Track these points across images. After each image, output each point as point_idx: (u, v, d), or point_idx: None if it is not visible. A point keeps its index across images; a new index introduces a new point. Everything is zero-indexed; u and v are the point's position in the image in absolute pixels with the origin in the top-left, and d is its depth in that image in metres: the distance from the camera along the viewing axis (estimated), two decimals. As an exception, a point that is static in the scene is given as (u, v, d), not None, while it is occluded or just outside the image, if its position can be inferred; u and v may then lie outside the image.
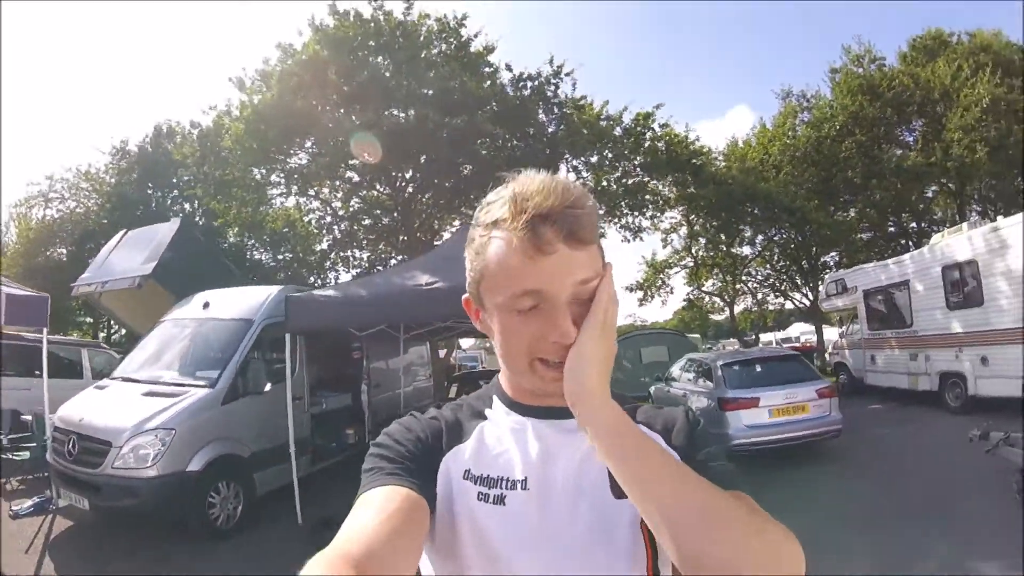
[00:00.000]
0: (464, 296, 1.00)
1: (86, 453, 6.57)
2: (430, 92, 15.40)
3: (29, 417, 9.54)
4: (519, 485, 0.95)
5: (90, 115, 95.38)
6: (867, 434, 10.95)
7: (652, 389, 13.24)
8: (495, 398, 1.07)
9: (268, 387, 7.66)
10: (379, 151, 14.98)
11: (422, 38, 16.74)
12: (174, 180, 28.04)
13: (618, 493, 0.90)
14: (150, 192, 28.72)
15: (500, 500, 0.94)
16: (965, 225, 12.59)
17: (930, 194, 25.48)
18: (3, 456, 8.88)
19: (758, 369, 9.87)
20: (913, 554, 5.27)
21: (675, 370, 12.11)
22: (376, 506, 0.84)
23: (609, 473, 0.90)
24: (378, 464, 0.94)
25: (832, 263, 25.83)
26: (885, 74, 23.44)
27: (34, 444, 8.90)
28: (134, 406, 6.85)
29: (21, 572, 5.69)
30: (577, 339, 0.85)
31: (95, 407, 7.14)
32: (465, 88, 15.19)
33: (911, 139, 24.65)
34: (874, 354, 15.29)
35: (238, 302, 8.62)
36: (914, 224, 26.14)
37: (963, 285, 11.77)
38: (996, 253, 10.79)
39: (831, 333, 23.42)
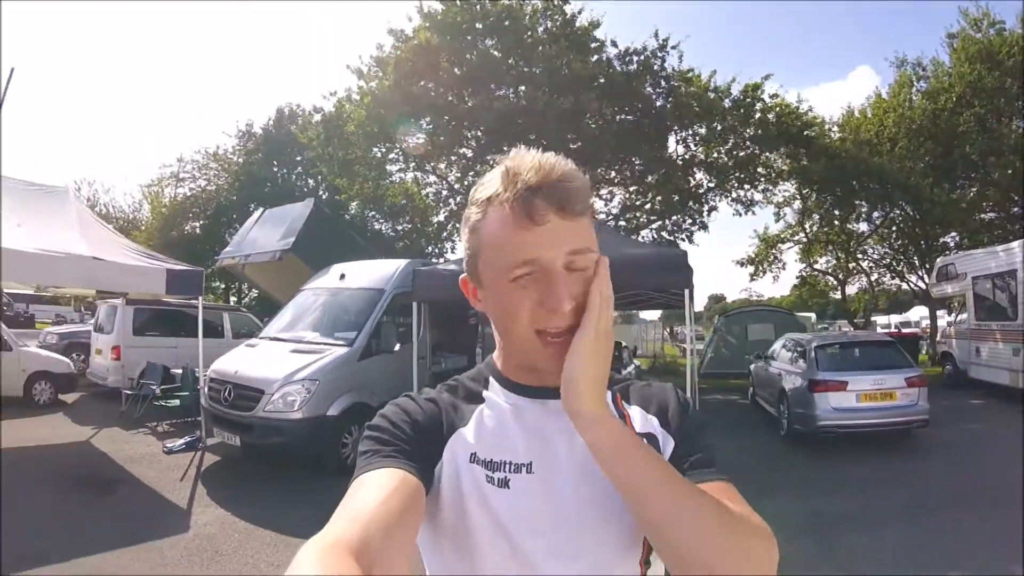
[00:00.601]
0: (461, 276, 1.03)
1: (241, 399, 7.74)
2: (537, 71, 16.00)
3: (179, 370, 11.25)
4: (523, 468, 0.95)
5: (217, 101, 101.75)
6: (957, 428, 10.69)
7: (752, 367, 13.45)
8: (491, 379, 1.07)
9: (397, 347, 8.71)
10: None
11: (528, 18, 17.10)
12: (298, 158, 30.12)
13: None
14: (275, 170, 30.60)
15: (504, 483, 0.94)
16: None
17: None
18: (157, 403, 10.46)
19: (851, 353, 9.97)
20: (959, 547, 5.43)
21: (775, 348, 12.16)
22: (373, 489, 0.84)
23: None
24: (374, 447, 0.94)
25: (952, 244, 23.98)
26: (1005, 39, 21.04)
27: (185, 393, 10.48)
28: (283, 360, 7.98)
29: (178, 497, 6.79)
30: (570, 350, 0.88)
31: (248, 361, 8.32)
32: (572, 67, 15.63)
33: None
34: (979, 346, 14.46)
35: (370, 273, 9.68)
36: None
37: None
38: None
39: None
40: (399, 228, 26.94)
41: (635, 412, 1.06)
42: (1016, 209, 23.58)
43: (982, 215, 24.02)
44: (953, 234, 24.02)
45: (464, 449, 0.98)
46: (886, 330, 30.89)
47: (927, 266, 23.49)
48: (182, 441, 8.98)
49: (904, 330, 30.08)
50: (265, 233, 13.96)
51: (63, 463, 7.91)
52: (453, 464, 0.97)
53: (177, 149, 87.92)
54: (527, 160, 0.90)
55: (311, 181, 30.75)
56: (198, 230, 30.26)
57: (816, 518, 6.21)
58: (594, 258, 0.92)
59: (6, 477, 6.75)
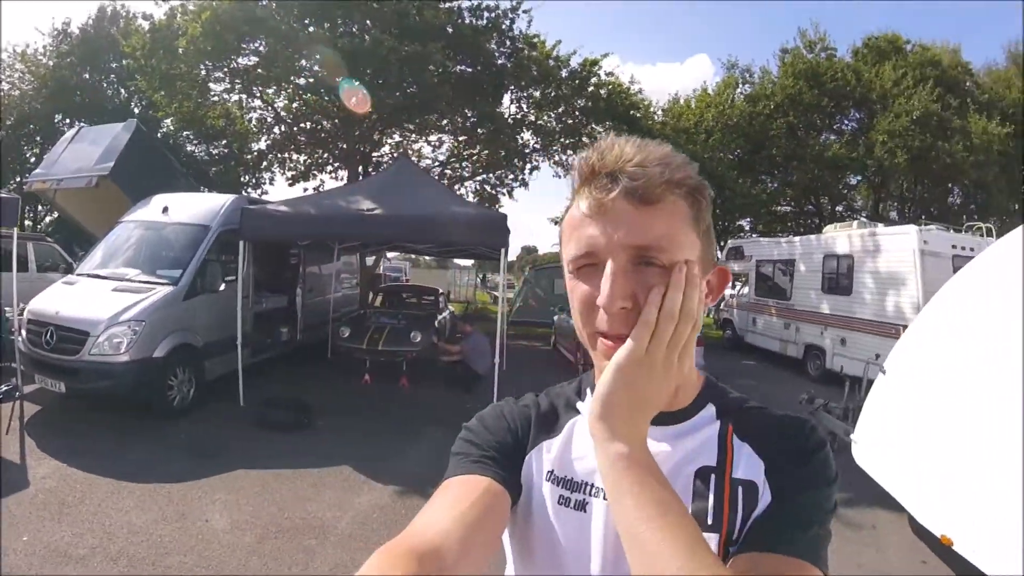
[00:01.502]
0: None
1: (64, 342, 7.41)
2: (387, 10, 15.80)
3: None
4: (603, 494, 0.88)
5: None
6: (731, 382, 12.06)
7: (555, 318, 14.94)
8: (588, 390, 1.00)
9: (222, 287, 8.66)
10: (368, 101, 15.69)
11: None
12: (113, 65, 27.67)
13: (703, 526, 0.83)
14: (86, 77, 27.94)
15: (582, 506, 0.89)
16: (855, 223, 14.09)
17: (853, 182, 27.24)
18: None
19: None
20: None
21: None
22: (456, 495, 0.82)
23: (702, 499, 0.87)
24: (465, 450, 0.92)
25: (748, 228, 27.52)
26: (832, 64, 24.52)
27: None
28: (106, 300, 7.69)
29: (8, 452, 6.39)
30: (609, 363, 0.79)
31: (69, 301, 7.92)
32: (423, 14, 15.73)
33: (839, 132, 26.01)
34: (756, 317, 16.98)
35: (196, 208, 9.41)
36: (838, 208, 27.60)
37: (838, 274, 13.32)
38: (870, 254, 12.34)
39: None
40: (214, 152, 25.84)
41: (741, 451, 0.90)
42: (809, 207, 27.52)
43: (778, 208, 27.32)
44: (750, 219, 27.04)
45: (542, 465, 0.95)
46: None
47: (721, 245, 26.41)
48: (-1, 388, 8.38)
49: None
50: (80, 155, 12.90)
51: None
52: (528, 479, 0.94)
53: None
54: (606, 148, 0.84)
55: (123, 92, 28.38)
56: (-4, 141, 26.95)
57: None
58: (679, 252, 0.81)
59: None
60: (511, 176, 22.94)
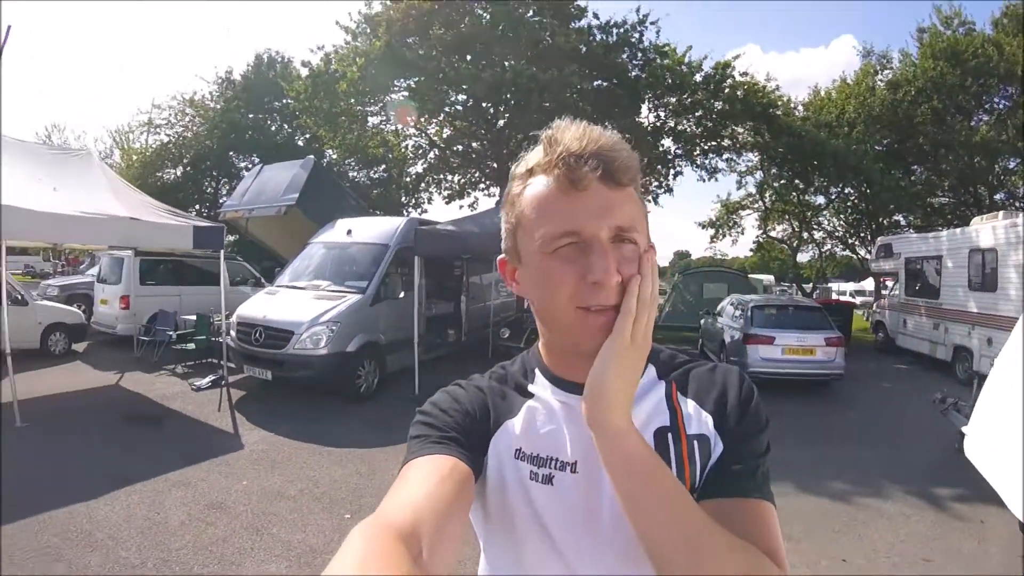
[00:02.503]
0: (500, 257, 1.01)
1: (271, 339, 8.99)
2: (523, 40, 16.89)
3: (190, 317, 12.09)
4: (568, 467, 0.93)
5: (189, 46, 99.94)
6: (871, 383, 12.48)
7: (702, 321, 15.03)
8: (537, 371, 1.04)
9: (402, 295, 10.03)
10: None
11: None
12: (276, 104, 30.59)
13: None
14: (252, 117, 30.99)
15: (548, 480, 0.93)
16: (1001, 214, 12.95)
17: (1011, 167, 24.74)
18: (174, 347, 11.39)
19: (782, 314, 11.57)
20: (850, 469, 6.85)
21: (723, 306, 13.74)
22: (423, 475, 0.84)
23: (670, 459, 0.92)
24: (425, 432, 0.94)
25: (904, 223, 26.01)
26: (972, 39, 22.40)
27: (202, 337, 11.39)
28: (307, 305, 9.25)
29: (223, 424, 7.95)
30: (600, 354, 0.84)
31: (274, 307, 9.55)
32: (555, 39, 16.72)
33: (987, 112, 24.01)
34: (906, 318, 16.12)
35: (375, 229, 10.91)
36: (997, 196, 25.11)
37: (983, 269, 12.46)
38: (1013, 246, 11.43)
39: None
40: (374, 176, 27.89)
41: (690, 408, 0.98)
42: (967, 197, 25.21)
43: (935, 200, 25.67)
44: (905, 214, 25.54)
45: (510, 443, 0.97)
46: (840, 296, 33.60)
47: (872, 241, 24.82)
48: (208, 379, 9.98)
49: (858, 296, 31.94)
50: (267, 188, 14.91)
51: (105, 404, 8.92)
52: (498, 457, 0.96)
53: (149, 94, 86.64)
54: (570, 129, 0.87)
55: (286, 128, 31.33)
56: (178, 177, 30.64)
57: None
58: (642, 237, 0.88)
59: (58, 419, 7.87)
60: (655, 183, 23.17)
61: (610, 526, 0.89)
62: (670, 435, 0.94)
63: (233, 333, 9.63)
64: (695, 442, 0.94)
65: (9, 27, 16.60)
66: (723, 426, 0.95)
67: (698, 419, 0.96)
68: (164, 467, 6.15)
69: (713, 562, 0.75)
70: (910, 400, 10.31)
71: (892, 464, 7.10)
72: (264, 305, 9.70)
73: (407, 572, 0.63)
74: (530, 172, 0.91)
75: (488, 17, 17.49)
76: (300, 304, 9.36)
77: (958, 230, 14.47)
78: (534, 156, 0.92)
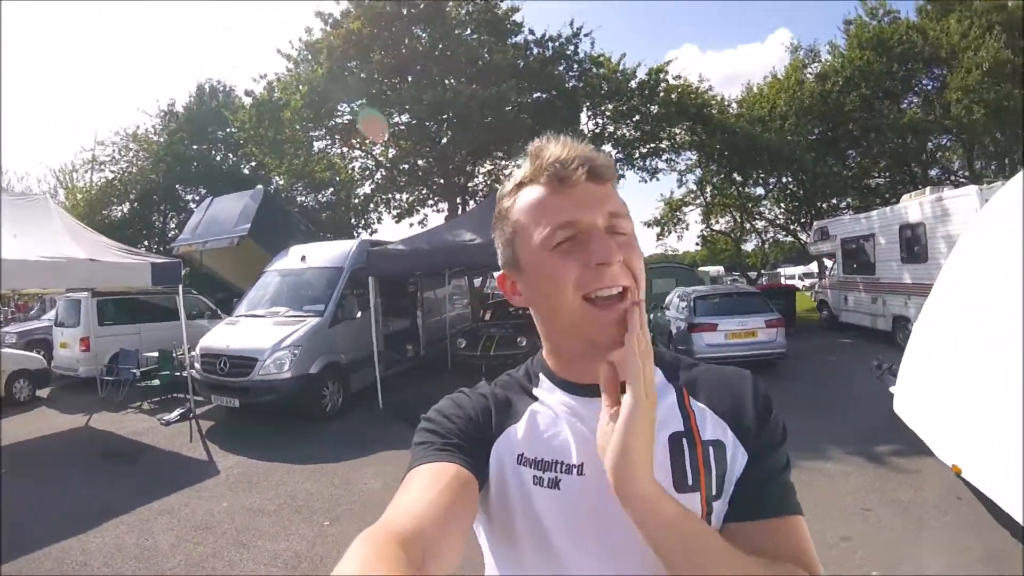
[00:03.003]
0: (498, 274, 1.04)
1: (236, 367, 9.28)
2: (462, 60, 17.55)
3: (153, 353, 12.16)
4: (575, 470, 0.93)
5: (128, 79, 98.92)
6: (816, 359, 13.14)
7: (650, 316, 15.38)
8: (542, 376, 1.05)
9: (359, 315, 10.41)
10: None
11: (450, 4, 18.38)
12: (219, 134, 30.53)
13: (681, 487, 0.91)
14: (195, 148, 30.91)
15: (555, 484, 0.92)
16: (928, 190, 13.80)
17: (944, 143, 26.35)
18: (139, 384, 11.48)
19: (724, 302, 12.24)
20: (794, 436, 7.49)
21: (669, 299, 14.42)
22: (426, 482, 0.84)
23: (675, 463, 0.93)
24: (429, 439, 0.94)
25: (844, 206, 26.58)
26: (897, 28, 23.90)
27: (166, 372, 11.41)
28: (268, 332, 9.56)
29: (197, 453, 8.21)
30: (618, 422, 0.83)
31: (236, 336, 9.85)
32: (493, 57, 17.32)
33: (915, 96, 25.21)
34: (847, 295, 17.03)
35: (329, 254, 11.26)
36: (932, 172, 26.70)
37: (914, 243, 13.31)
38: (940, 219, 12.28)
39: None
40: (322, 199, 28.04)
41: (703, 414, 0.98)
42: (902, 176, 26.49)
43: (872, 180, 27.07)
44: (848, 199, 26.39)
45: (512, 450, 0.97)
46: (790, 280, 35.22)
47: (810, 227, 25.64)
48: (176, 413, 10.20)
49: (784, 282, 33.09)
50: (219, 220, 15.25)
51: (77, 445, 9.09)
52: (499, 464, 0.96)
53: (89, 130, 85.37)
54: (553, 142, 0.93)
55: (231, 157, 31.31)
56: (126, 213, 30.40)
57: None
58: (630, 226, 0.94)
59: (35, 463, 8.09)
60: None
61: (621, 528, 0.87)
62: (684, 440, 0.95)
63: (198, 365, 9.90)
64: (710, 448, 0.94)
65: None
66: (743, 436, 0.96)
67: (713, 424, 0.97)
68: (146, 498, 6.43)
69: None
70: (853, 371, 10.87)
71: (834, 429, 7.62)
72: (226, 335, 10.00)
73: None
74: (519, 186, 0.96)
75: (426, 39, 17.99)
76: (261, 331, 9.69)
77: (888, 209, 15.47)
78: (520, 172, 0.97)
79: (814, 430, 7.55)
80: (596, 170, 0.91)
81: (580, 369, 0.98)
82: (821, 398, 9.53)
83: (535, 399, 1.03)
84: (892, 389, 5.83)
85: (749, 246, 34.39)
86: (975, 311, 4.61)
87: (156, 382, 11.45)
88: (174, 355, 11.56)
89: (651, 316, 15.48)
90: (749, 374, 1.06)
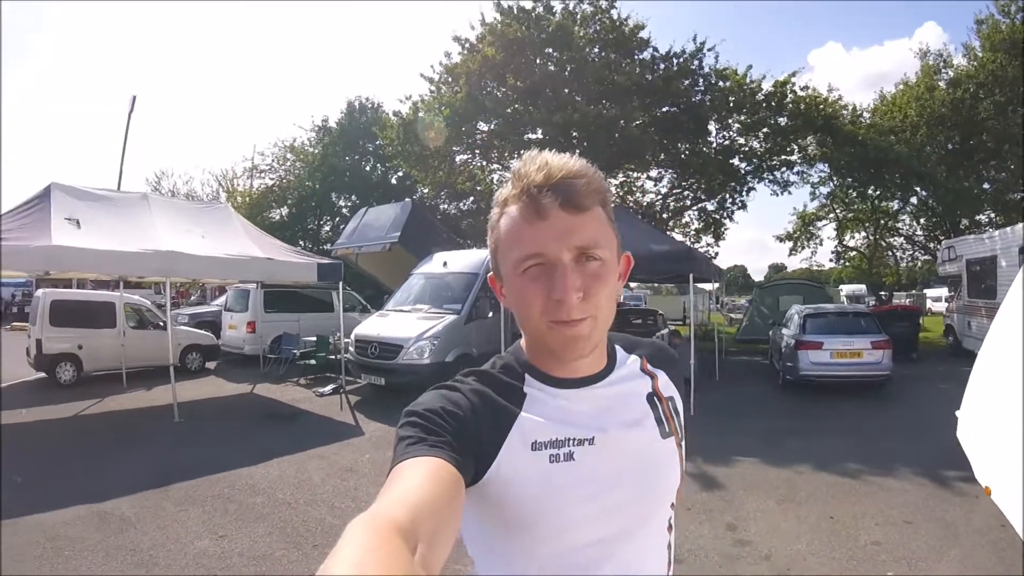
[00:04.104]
0: (489, 275, 1.11)
1: (384, 352, 11.08)
2: (588, 80, 18.81)
3: (311, 338, 14.31)
4: (586, 442, 1.00)
5: (281, 96, 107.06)
6: (925, 384, 12.82)
7: (771, 332, 15.84)
8: (527, 375, 1.08)
9: (490, 315, 11.93)
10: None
11: (578, 28, 19.46)
12: (369, 147, 33.27)
13: (664, 435, 1.10)
14: (347, 160, 33.62)
15: (570, 456, 0.99)
16: None
17: None
18: (298, 363, 13.70)
19: (832, 320, 12.43)
20: (876, 455, 7.59)
21: (788, 316, 14.42)
22: (418, 475, 0.83)
23: (656, 417, 1.11)
24: (418, 435, 0.92)
25: (986, 222, 25.08)
26: None
27: (322, 354, 13.51)
28: (413, 325, 11.29)
29: (346, 419, 9.97)
30: None
31: (386, 326, 11.67)
32: (617, 78, 18.54)
33: None
34: (970, 320, 15.97)
35: (467, 260, 12.90)
36: None
37: None
38: None
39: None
40: (463, 208, 29.57)
41: (661, 375, 1.19)
42: None
43: (1015, 195, 24.20)
44: (990, 214, 24.85)
45: (524, 440, 0.99)
46: (936, 303, 32.32)
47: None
48: (329, 387, 12.14)
49: (930, 304, 31.55)
50: (372, 227, 17.44)
51: (245, 405, 11.20)
52: (513, 457, 0.97)
53: (249, 141, 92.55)
54: (535, 161, 0.96)
55: (379, 168, 34.00)
56: (285, 217, 33.57)
57: (772, 433, 8.96)
58: (608, 252, 0.98)
59: (209, 417, 10.06)
60: (729, 200, 24.39)
61: (630, 488, 1.02)
62: (655, 398, 1.14)
63: (352, 349, 11.78)
64: (670, 402, 1.17)
65: (135, 97, 19.43)
66: (680, 391, 1.23)
67: (665, 384, 1.19)
68: (303, 446, 8.13)
69: None
70: (957, 399, 10.83)
71: (911, 450, 7.77)
72: (377, 325, 11.84)
73: (406, 566, 0.63)
74: (505, 202, 1.00)
75: (555, 63, 19.44)
76: (407, 324, 11.40)
77: (1008, 229, 14.56)
78: (506, 188, 1.00)
79: (890, 450, 7.88)
80: (571, 200, 0.93)
81: (558, 367, 1.06)
82: (910, 421, 9.62)
83: (527, 393, 1.05)
84: (957, 413, 5.67)
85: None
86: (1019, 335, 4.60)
87: (313, 362, 13.51)
88: (330, 340, 13.58)
89: (770, 334, 15.79)
90: (672, 351, 1.32)
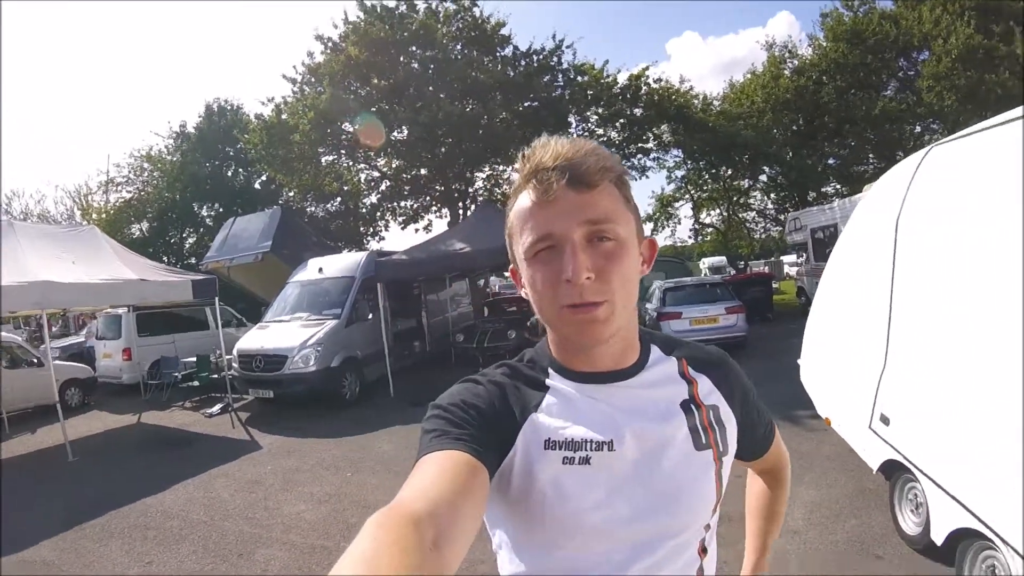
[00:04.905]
0: (511, 267, 1.07)
1: (269, 364, 11.00)
2: (451, 78, 19.16)
3: (191, 359, 13.72)
4: (605, 446, 0.96)
5: (138, 103, 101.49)
6: (779, 341, 13.28)
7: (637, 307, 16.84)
8: (550, 368, 1.07)
9: (370, 316, 12.09)
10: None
11: (441, 26, 19.72)
12: (230, 151, 32.13)
13: (699, 446, 1.03)
14: (207, 167, 32.30)
15: (586, 461, 0.95)
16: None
17: (934, 127, 24.74)
18: (181, 386, 13.14)
19: (689, 292, 13.50)
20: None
21: (651, 291, 15.16)
22: (439, 468, 0.84)
23: (691, 426, 1.04)
24: (443, 427, 0.93)
25: (832, 194, 26.59)
26: (871, 18, 24.23)
27: (204, 374, 13.02)
28: (294, 334, 11.26)
29: (240, 436, 9.86)
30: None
31: (268, 338, 11.55)
32: (480, 77, 19.09)
33: (898, 81, 25.61)
34: (817, 281, 16.57)
35: (342, 264, 12.96)
36: None
37: None
38: None
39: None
40: (332, 209, 29.39)
41: (703, 381, 1.11)
42: (888, 164, 25.74)
43: (857, 169, 26.66)
44: (837, 186, 27.00)
45: (538, 436, 0.98)
46: (792, 266, 34.28)
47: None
48: (217, 407, 11.88)
49: (759, 271, 33.99)
50: (242, 238, 17.14)
51: (134, 437, 10.79)
52: (526, 452, 0.97)
53: (102, 153, 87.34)
54: (544, 146, 0.94)
55: (241, 173, 32.96)
56: (145, 232, 31.89)
57: None
58: (623, 227, 0.94)
59: (101, 451, 9.74)
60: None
61: (650, 496, 0.97)
62: (692, 405, 1.06)
63: (236, 365, 11.63)
64: (711, 411, 1.08)
65: None
66: (732, 399, 1.13)
67: (709, 390, 1.10)
68: (204, 468, 8.06)
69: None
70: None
71: (769, 396, 8.27)
72: (259, 338, 11.71)
73: (420, 559, 0.63)
74: (516, 190, 0.98)
75: (418, 63, 19.74)
76: (288, 333, 11.38)
77: (847, 199, 16.26)
78: (517, 176, 0.98)
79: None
80: (579, 177, 0.90)
81: (580, 359, 1.03)
82: (765, 371, 10.26)
83: (548, 387, 1.04)
84: (799, 361, 6.38)
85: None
86: (841, 290, 5.42)
87: (196, 383, 13.03)
88: (211, 359, 13.21)
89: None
90: (724, 352, 1.22)
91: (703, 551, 1.03)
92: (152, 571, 5.18)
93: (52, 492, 7.71)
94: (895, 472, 4.24)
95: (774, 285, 21.06)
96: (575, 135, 15.99)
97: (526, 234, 0.94)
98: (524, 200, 0.95)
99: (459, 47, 20.39)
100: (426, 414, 0.99)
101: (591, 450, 0.96)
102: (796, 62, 26.83)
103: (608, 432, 0.97)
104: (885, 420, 4.09)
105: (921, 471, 3.65)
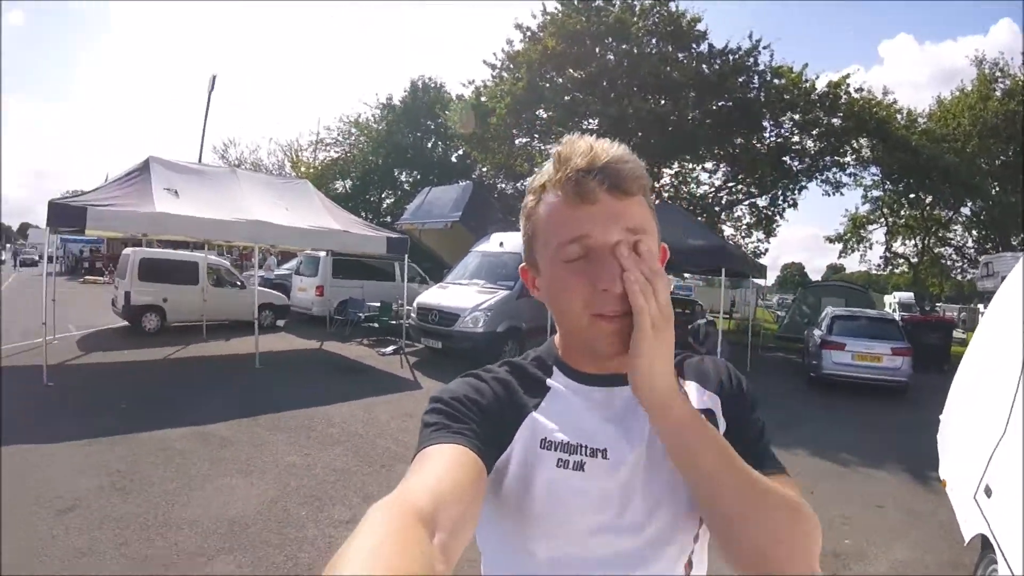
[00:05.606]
0: (521, 265, 1.05)
1: (443, 319, 12.23)
2: (643, 73, 19.56)
3: (376, 303, 15.53)
4: (599, 454, 0.95)
5: (348, 74, 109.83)
6: (943, 395, 12.29)
7: (805, 332, 16.20)
8: (555, 367, 1.06)
9: None
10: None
11: (636, 17, 20.06)
12: (430, 125, 34.43)
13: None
14: (410, 137, 34.78)
15: (580, 466, 0.95)
16: None
17: None
18: (363, 325, 15.05)
19: (857, 324, 12.78)
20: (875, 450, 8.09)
21: (822, 317, 14.64)
22: (442, 461, 0.83)
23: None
24: (443, 421, 0.93)
25: None
26: None
27: (385, 318, 14.88)
28: (470, 297, 12.44)
29: (406, 375, 11.24)
30: (631, 345, 0.85)
31: (445, 296, 12.82)
32: (672, 73, 19.35)
33: None
34: None
35: (521, 241, 13.74)
36: None
37: None
38: None
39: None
40: (521, 188, 29.63)
41: (691, 388, 1.05)
42: None
43: None
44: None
45: (535, 435, 0.97)
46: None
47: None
48: (390, 348, 13.46)
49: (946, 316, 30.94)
50: (435, 206, 18.87)
51: (315, 359, 12.49)
52: (523, 449, 0.96)
53: (313, 115, 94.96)
54: (578, 145, 0.90)
55: (440, 146, 35.23)
56: (348, 189, 35.04)
57: (783, 420, 9.19)
58: (652, 240, 0.91)
59: (284, 365, 11.40)
60: (781, 198, 24.76)
61: (643, 507, 0.94)
62: None
63: (414, 315, 13.02)
64: (704, 416, 0.96)
65: (214, 76, 20.96)
66: (725, 406, 1.04)
67: (701, 397, 1.03)
68: (369, 393, 9.37)
69: (768, 487, 0.86)
70: None
71: (907, 449, 7.99)
72: (438, 295, 13.01)
73: (424, 551, 0.62)
74: (543, 187, 0.93)
75: (612, 57, 20.29)
76: (464, 296, 12.54)
77: None
78: (546, 172, 0.93)
79: (886, 446, 8.38)
80: (618, 184, 0.87)
81: (591, 363, 1.02)
82: (915, 423, 9.33)
83: (550, 388, 1.04)
84: (940, 417, 5.86)
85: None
86: (986, 349, 4.99)
87: (376, 325, 14.94)
88: (393, 307, 14.96)
89: (805, 333, 16.16)
90: (723, 361, 1.16)
91: (689, 564, 1.00)
92: (308, 460, 6.29)
93: (237, 388, 9.30)
94: (986, 549, 3.85)
95: (958, 334, 19.12)
96: (768, 140, 15.52)
97: (558, 236, 0.90)
98: (555, 201, 0.91)
99: (653, 42, 20.65)
100: (427, 407, 0.99)
101: (586, 455, 0.95)
102: (1008, 82, 23.81)
103: (604, 439, 0.97)
104: (988, 492, 3.73)
105: (1002, 553, 3.32)
